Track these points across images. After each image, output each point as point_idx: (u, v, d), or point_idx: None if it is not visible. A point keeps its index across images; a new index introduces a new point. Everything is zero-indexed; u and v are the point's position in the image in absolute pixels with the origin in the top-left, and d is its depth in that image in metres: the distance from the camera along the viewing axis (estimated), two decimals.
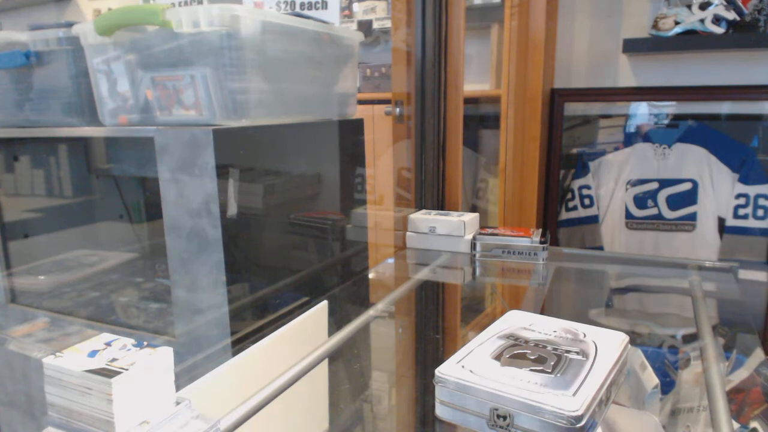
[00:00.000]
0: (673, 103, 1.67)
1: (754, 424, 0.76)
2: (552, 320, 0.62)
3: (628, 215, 1.71)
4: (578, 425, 0.45)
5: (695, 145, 1.63)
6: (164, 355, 0.42)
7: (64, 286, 1.06)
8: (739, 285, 0.99)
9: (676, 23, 1.50)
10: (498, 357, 0.54)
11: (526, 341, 0.57)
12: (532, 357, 0.54)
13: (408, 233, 1.24)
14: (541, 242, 1.11)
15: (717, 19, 1.46)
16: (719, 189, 1.61)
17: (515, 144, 1.61)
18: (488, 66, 1.95)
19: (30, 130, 0.92)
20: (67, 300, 1.01)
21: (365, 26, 2.19)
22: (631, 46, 1.57)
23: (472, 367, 0.52)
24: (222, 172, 0.72)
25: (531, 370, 0.51)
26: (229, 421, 0.52)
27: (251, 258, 0.80)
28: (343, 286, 1.01)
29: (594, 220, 1.75)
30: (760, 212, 1.56)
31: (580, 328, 0.60)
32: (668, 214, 1.67)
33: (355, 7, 2.22)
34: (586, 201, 1.75)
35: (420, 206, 1.38)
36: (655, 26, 1.53)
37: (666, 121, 1.67)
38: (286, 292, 0.87)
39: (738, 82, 1.58)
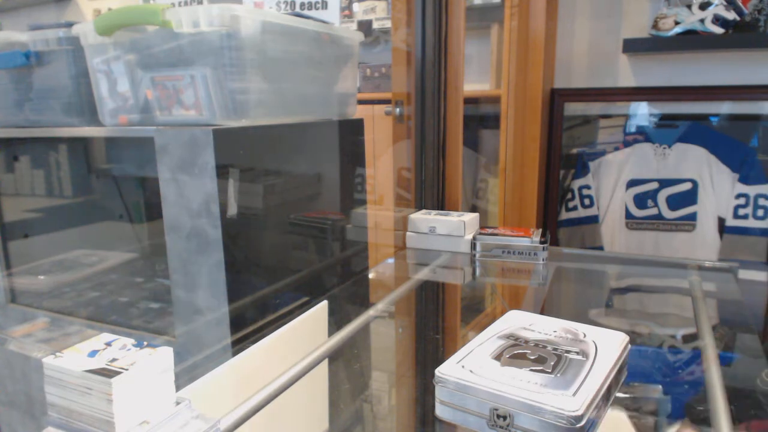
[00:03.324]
0: (673, 103, 1.67)
1: None
2: (552, 320, 0.62)
3: (628, 215, 1.72)
4: (578, 425, 0.45)
5: (695, 145, 1.63)
6: (164, 355, 0.42)
7: (64, 286, 1.06)
8: (739, 285, 0.99)
9: (676, 23, 1.50)
10: (498, 357, 0.54)
11: (526, 341, 0.57)
12: (532, 357, 0.54)
13: (408, 233, 1.24)
14: (541, 242, 1.11)
15: (717, 19, 1.46)
16: (719, 189, 1.61)
17: (515, 144, 1.61)
18: (488, 66, 1.96)
19: (30, 130, 0.92)
20: (67, 300, 1.01)
21: (365, 26, 2.19)
22: (631, 46, 1.57)
23: (472, 367, 0.52)
24: (222, 172, 0.72)
25: (531, 370, 0.51)
26: (229, 421, 0.52)
27: (251, 258, 0.80)
28: (343, 286, 1.01)
29: (594, 220, 1.75)
30: (760, 212, 1.56)
31: (580, 328, 0.60)
32: (668, 214, 1.67)
33: (355, 7, 2.22)
34: (586, 201, 1.75)
35: (420, 206, 1.38)
36: (655, 26, 1.53)
37: (666, 121, 1.67)
38: (286, 292, 0.87)
39: (738, 82, 1.58)
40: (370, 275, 1.12)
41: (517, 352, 0.55)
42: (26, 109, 0.91)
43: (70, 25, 0.84)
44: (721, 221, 1.62)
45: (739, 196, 1.58)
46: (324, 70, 0.92)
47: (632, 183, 1.70)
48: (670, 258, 1.15)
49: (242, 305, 0.77)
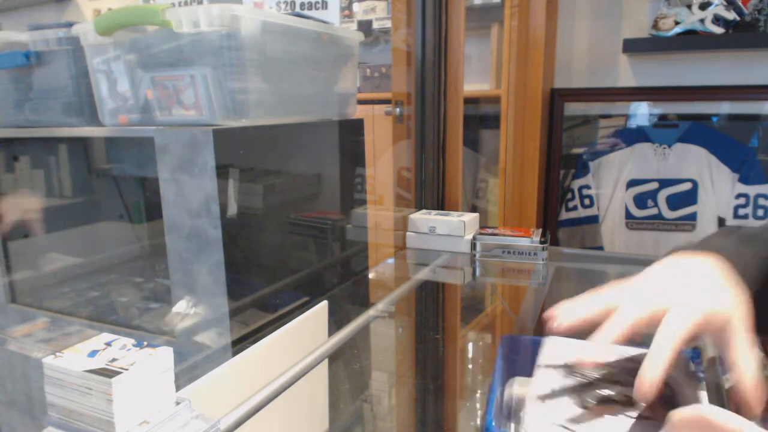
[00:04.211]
0: (673, 103, 1.66)
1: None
2: (594, 345, 0.51)
3: (628, 215, 1.71)
4: None
5: (695, 145, 1.63)
6: (164, 355, 0.42)
7: (64, 286, 1.06)
8: None
9: (676, 23, 1.50)
10: (583, 404, 0.45)
11: (593, 377, 0.49)
12: (618, 399, 0.46)
13: (408, 233, 1.24)
14: (541, 242, 1.11)
15: (717, 19, 1.46)
16: (719, 189, 1.61)
17: (515, 144, 1.62)
18: (488, 66, 1.96)
19: (30, 130, 0.92)
20: (67, 300, 1.01)
21: (365, 26, 2.19)
22: (631, 46, 1.57)
23: (567, 423, 0.43)
24: (222, 172, 0.72)
25: (627, 416, 0.43)
26: (229, 421, 0.52)
27: (251, 258, 0.80)
28: (343, 286, 1.01)
29: (594, 220, 1.75)
30: (760, 212, 1.56)
31: (630, 351, 0.52)
32: (668, 214, 1.67)
33: (355, 7, 2.22)
34: (586, 201, 1.75)
35: (420, 206, 1.38)
36: (655, 26, 1.53)
37: (666, 121, 1.67)
38: (286, 292, 0.87)
39: (738, 82, 1.58)
40: (370, 275, 1.12)
41: (600, 394, 0.47)
42: (26, 109, 0.91)
43: (70, 25, 0.84)
44: (721, 221, 1.61)
45: (739, 196, 1.58)
46: (324, 70, 0.92)
47: (632, 183, 1.70)
48: None
49: (242, 305, 0.77)
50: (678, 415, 0.38)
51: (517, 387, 0.53)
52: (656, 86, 1.67)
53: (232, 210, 0.74)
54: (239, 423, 0.52)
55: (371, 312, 0.90)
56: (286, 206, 0.87)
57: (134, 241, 1.22)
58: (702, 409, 0.37)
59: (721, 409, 0.37)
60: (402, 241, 1.25)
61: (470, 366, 0.84)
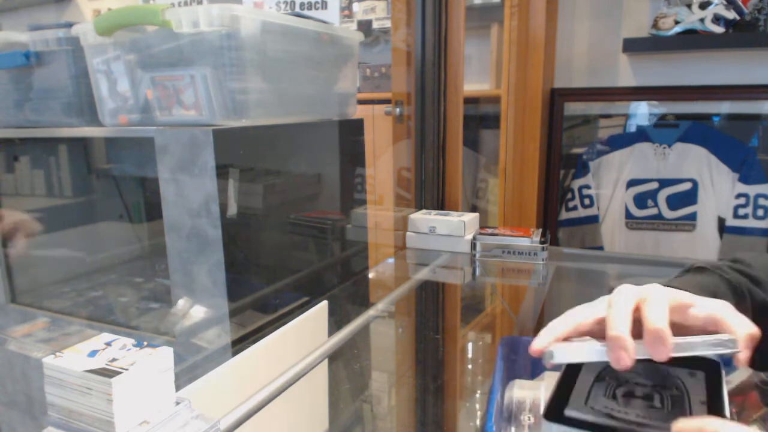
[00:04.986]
0: (673, 103, 1.66)
1: (753, 427, 0.76)
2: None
3: (628, 215, 1.71)
4: None
5: (695, 145, 1.63)
6: (164, 355, 0.42)
7: (64, 286, 1.06)
8: None
9: (676, 23, 1.50)
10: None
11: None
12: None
13: (408, 233, 1.24)
14: (541, 242, 1.11)
15: (717, 19, 1.46)
16: (719, 189, 1.61)
17: (515, 144, 1.61)
18: (488, 66, 1.96)
19: (30, 130, 0.92)
20: (67, 300, 1.01)
21: (365, 26, 2.19)
22: (631, 46, 1.57)
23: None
24: (222, 172, 0.72)
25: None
26: (229, 421, 0.52)
27: (251, 258, 0.80)
28: (343, 286, 1.01)
29: (594, 220, 1.75)
30: (760, 212, 1.56)
31: None
32: (668, 214, 1.67)
33: (355, 7, 2.22)
34: (586, 201, 1.75)
35: (420, 206, 1.38)
36: (655, 26, 1.53)
37: (666, 121, 1.67)
38: (286, 292, 0.87)
39: (738, 81, 1.58)
40: (370, 275, 1.12)
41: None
42: (26, 109, 0.91)
43: (69, 25, 0.84)
44: (721, 221, 1.61)
45: (739, 195, 1.58)
46: (324, 70, 0.92)
47: (632, 183, 1.70)
48: (670, 258, 1.15)
49: (242, 305, 0.77)
50: (681, 427, 0.37)
51: (517, 390, 0.54)
52: (656, 86, 1.67)
53: (232, 210, 0.74)
54: (239, 423, 0.52)
55: (371, 312, 0.90)
56: (286, 206, 0.87)
57: (134, 241, 1.22)
58: (706, 422, 0.37)
59: (726, 421, 0.37)
60: (402, 241, 1.25)
61: (470, 366, 0.84)
